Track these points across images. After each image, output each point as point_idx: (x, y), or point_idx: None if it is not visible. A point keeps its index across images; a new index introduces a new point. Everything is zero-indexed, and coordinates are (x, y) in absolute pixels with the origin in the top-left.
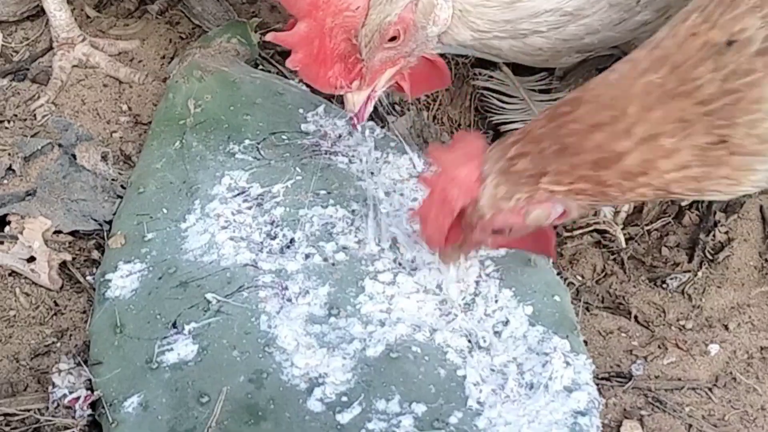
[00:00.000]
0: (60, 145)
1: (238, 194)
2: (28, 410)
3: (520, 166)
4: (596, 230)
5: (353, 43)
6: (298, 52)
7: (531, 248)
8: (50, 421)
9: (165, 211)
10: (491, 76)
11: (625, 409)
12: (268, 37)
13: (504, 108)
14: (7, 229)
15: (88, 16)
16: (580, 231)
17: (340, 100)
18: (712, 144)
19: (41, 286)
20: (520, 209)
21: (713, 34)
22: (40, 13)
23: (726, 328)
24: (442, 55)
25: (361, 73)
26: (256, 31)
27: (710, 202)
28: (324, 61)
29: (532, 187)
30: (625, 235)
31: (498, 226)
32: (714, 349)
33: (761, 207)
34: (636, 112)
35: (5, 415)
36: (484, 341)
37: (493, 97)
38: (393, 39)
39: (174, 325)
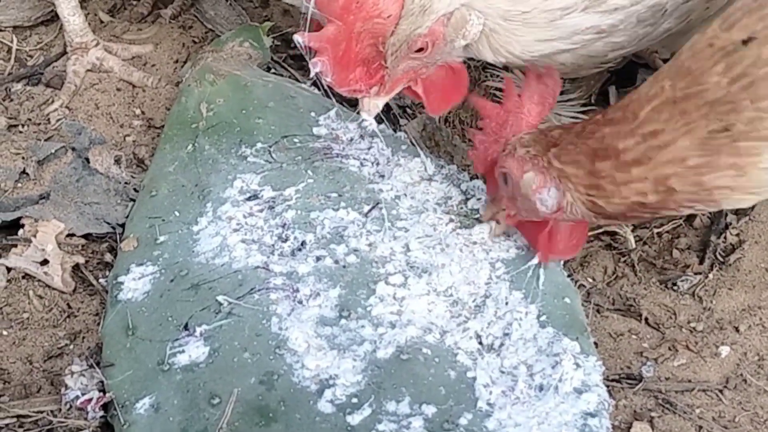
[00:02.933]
0: (73, 149)
1: (250, 197)
2: (41, 412)
3: (554, 132)
4: (606, 232)
5: (379, 50)
6: (324, 52)
7: (534, 240)
8: (63, 422)
9: (177, 214)
10: (503, 78)
11: (635, 411)
12: (296, 36)
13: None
14: (20, 232)
15: (101, 21)
16: (591, 233)
17: (352, 104)
18: (714, 132)
19: (54, 288)
20: (523, 162)
21: (731, 36)
22: (54, 18)
23: (737, 330)
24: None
25: (382, 79)
26: (268, 35)
27: None
28: (348, 64)
29: (543, 150)
30: (635, 237)
31: (504, 169)
32: (725, 351)
33: None
34: (645, 115)
35: (18, 416)
36: (495, 343)
37: None
38: (420, 50)
39: (185, 327)
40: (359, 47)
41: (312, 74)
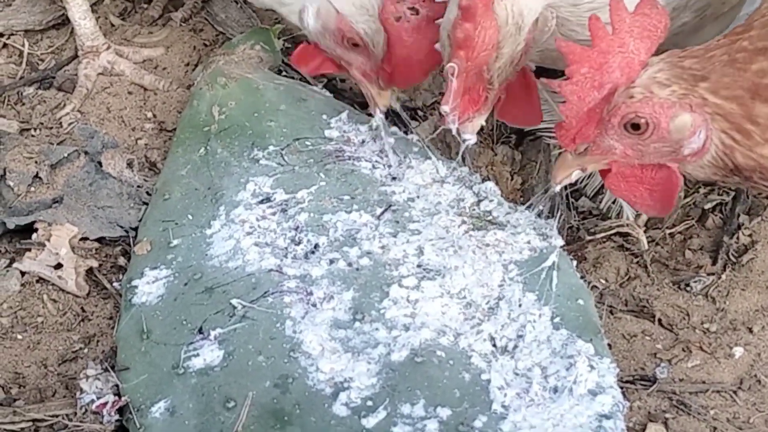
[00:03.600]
0: (86, 153)
1: (263, 200)
2: (57, 416)
3: (687, 63)
4: (619, 233)
5: (482, 76)
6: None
7: (648, 199)
8: (78, 426)
9: (190, 217)
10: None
11: (649, 412)
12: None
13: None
14: (34, 236)
15: (112, 25)
16: (603, 234)
17: (363, 106)
18: None
19: (68, 292)
20: (671, 106)
21: None
22: (65, 21)
23: (750, 330)
24: None
25: (485, 100)
26: (279, 38)
27: (733, 205)
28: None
29: (690, 86)
30: (647, 238)
31: (643, 117)
32: (738, 351)
33: None
34: None
35: (34, 420)
36: (509, 345)
37: None
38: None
39: (200, 331)
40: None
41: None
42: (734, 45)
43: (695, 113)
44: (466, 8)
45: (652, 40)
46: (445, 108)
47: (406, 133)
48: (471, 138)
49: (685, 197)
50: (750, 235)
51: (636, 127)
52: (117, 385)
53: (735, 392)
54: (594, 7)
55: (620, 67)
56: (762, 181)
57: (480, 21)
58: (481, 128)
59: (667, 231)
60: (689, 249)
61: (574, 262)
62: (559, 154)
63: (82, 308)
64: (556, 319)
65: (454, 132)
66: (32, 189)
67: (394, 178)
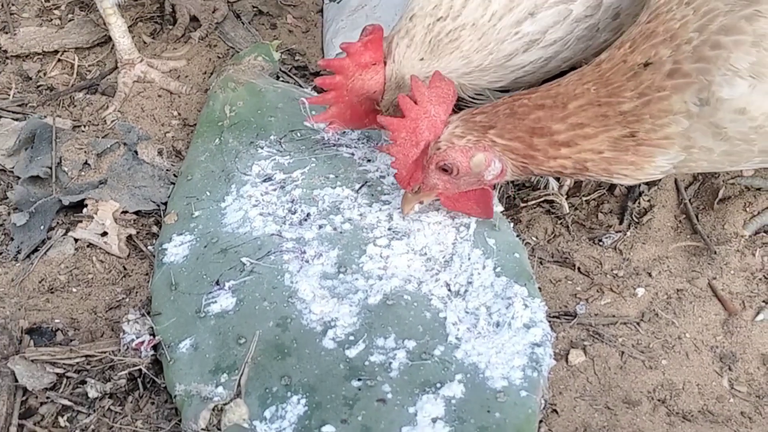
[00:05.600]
0: (125, 144)
1: (265, 179)
2: (104, 352)
3: (477, 118)
4: (546, 200)
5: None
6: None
7: (476, 209)
8: (122, 360)
9: (208, 193)
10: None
11: (571, 341)
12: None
13: (474, 100)
14: (84, 210)
15: (145, 42)
16: (534, 201)
17: None
18: (624, 136)
19: (112, 254)
20: (468, 150)
21: (635, 57)
22: (107, 40)
23: (650, 275)
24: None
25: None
26: (277, 51)
27: None
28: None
29: (481, 134)
30: (568, 204)
31: (448, 162)
32: (640, 291)
33: (675, 180)
34: (573, 108)
35: (86, 356)
36: (461, 290)
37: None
38: None
39: (217, 283)
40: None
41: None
42: (515, 103)
43: (487, 152)
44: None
45: (448, 104)
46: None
47: None
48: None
49: None
50: (649, 201)
51: (446, 169)
52: (152, 327)
53: (638, 323)
54: (490, 71)
55: (428, 128)
56: (566, 176)
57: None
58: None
59: (584, 198)
60: (601, 212)
61: (511, 224)
62: (404, 194)
63: (123, 267)
64: (498, 269)
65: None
66: (83, 173)
67: (369, 160)
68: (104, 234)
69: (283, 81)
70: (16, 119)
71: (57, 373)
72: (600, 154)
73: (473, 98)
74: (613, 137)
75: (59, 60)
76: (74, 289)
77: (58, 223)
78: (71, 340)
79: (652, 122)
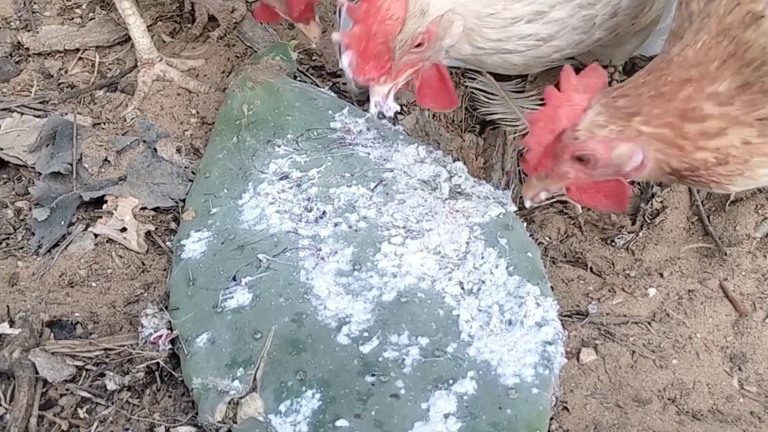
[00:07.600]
0: (144, 141)
1: (282, 177)
2: (123, 345)
3: (620, 103)
4: (559, 201)
5: (388, 46)
6: (350, 48)
7: (606, 202)
8: (140, 353)
9: (226, 191)
10: (478, 79)
11: (583, 340)
12: (333, 36)
13: (489, 102)
14: (104, 206)
15: (164, 41)
16: (547, 202)
17: (360, 104)
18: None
19: (131, 250)
20: (610, 141)
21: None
22: (127, 39)
23: (661, 275)
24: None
25: (389, 69)
26: (294, 51)
27: None
28: (366, 57)
29: (625, 123)
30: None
31: (586, 153)
32: (652, 292)
33: None
34: (715, 69)
35: (106, 349)
36: (474, 288)
37: (480, 94)
38: (419, 45)
39: (234, 279)
40: (374, 44)
41: (341, 65)
42: (659, 81)
43: (631, 143)
44: None
45: (593, 94)
46: (334, 35)
47: (394, 124)
48: (385, 105)
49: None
50: (661, 202)
51: (582, 159)
52: (170, 321)
53: (649, 323)
54: (498, 21)
55: (567, 116)
56: (692, 178)
57: None
58: (441, 118)
59: None
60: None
61: (525, 224)
62: (528, 179)
63: (142, 262)
64: (510, 268)
65: (351, 84)
66: (103, 170)
67: (385, 160)
68: (123, 230)
69: (300, 80)
70: (38, 116)
71: (76, 366)
72: (745, 146)
73: (449, 66)
74: (762, 118)
75: (80, 58)
76: (94, 284)
77: (78, 218)
78: (90, 334)
79: None
